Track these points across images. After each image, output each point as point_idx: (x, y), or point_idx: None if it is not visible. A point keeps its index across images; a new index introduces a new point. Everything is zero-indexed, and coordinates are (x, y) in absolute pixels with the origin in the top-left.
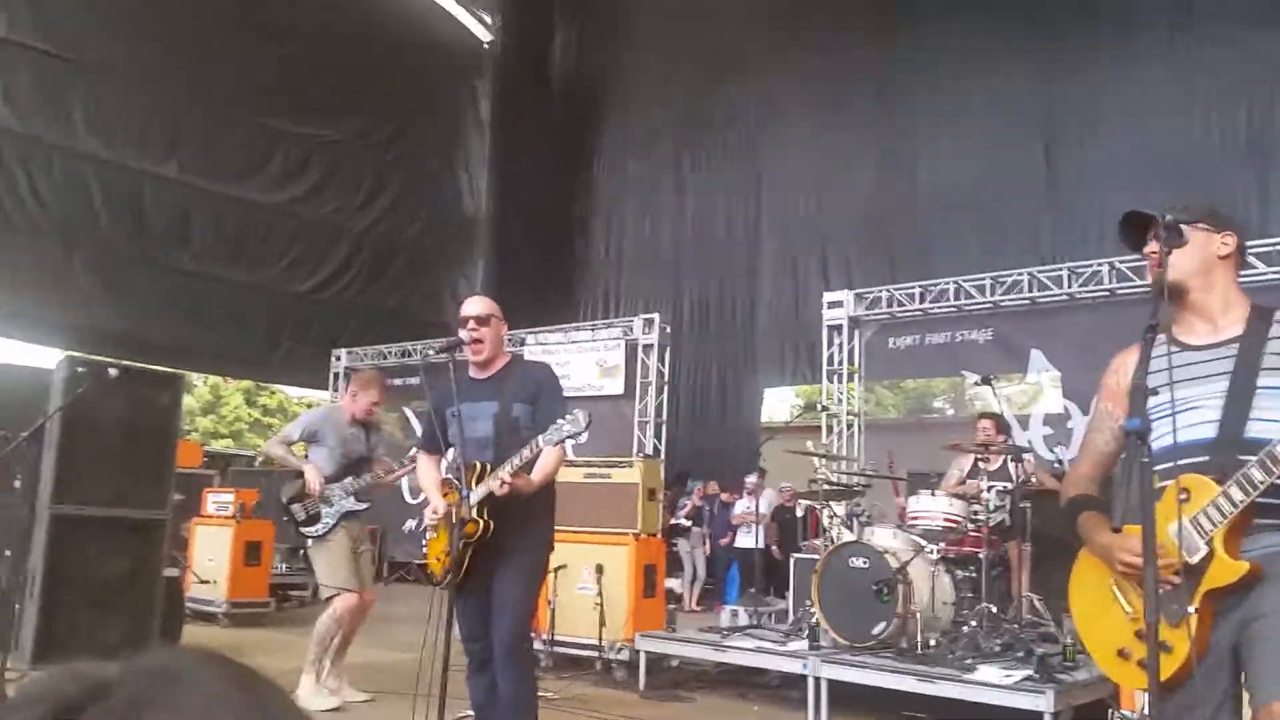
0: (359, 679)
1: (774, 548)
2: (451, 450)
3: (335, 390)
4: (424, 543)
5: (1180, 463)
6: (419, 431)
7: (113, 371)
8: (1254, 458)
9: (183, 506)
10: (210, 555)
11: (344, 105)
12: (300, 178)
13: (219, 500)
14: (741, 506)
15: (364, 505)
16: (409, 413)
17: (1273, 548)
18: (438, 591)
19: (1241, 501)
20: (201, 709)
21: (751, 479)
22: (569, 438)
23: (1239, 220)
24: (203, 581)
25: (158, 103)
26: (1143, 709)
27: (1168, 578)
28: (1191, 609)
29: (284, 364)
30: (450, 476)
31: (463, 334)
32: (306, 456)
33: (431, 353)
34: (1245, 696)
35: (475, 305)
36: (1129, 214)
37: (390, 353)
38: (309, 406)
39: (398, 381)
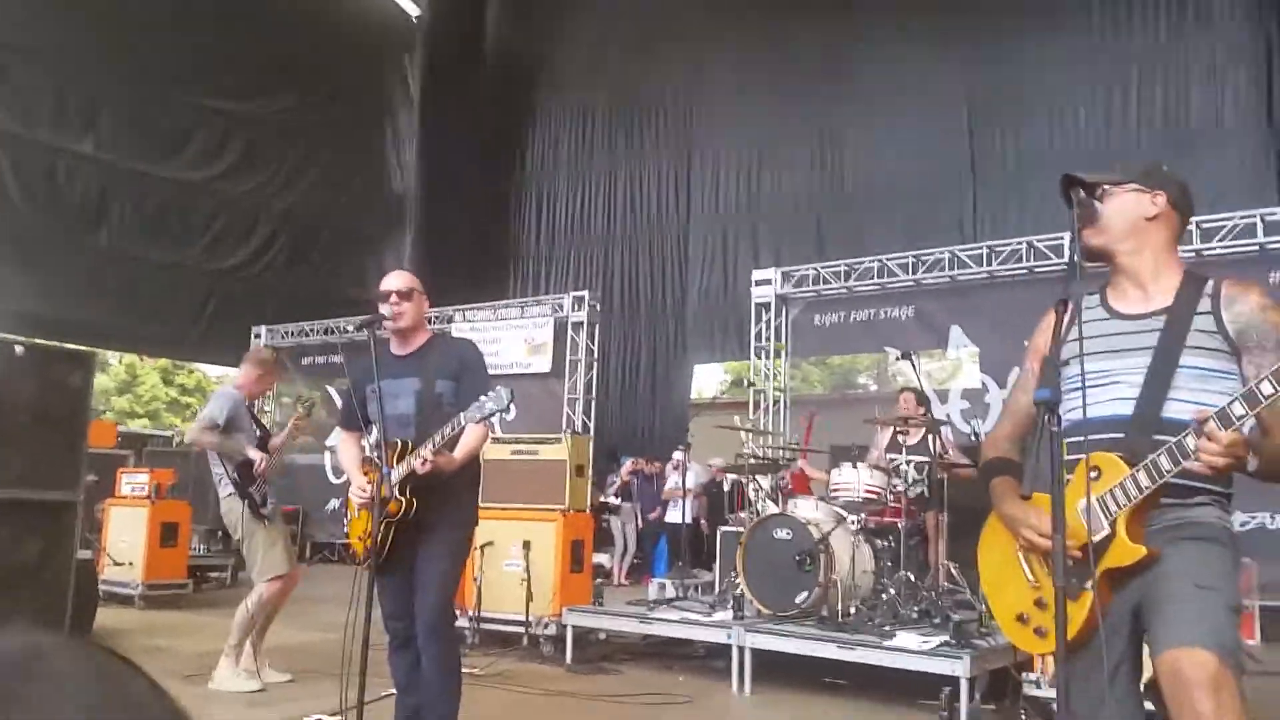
0: (281, 660)
1: (703, 521)
2: (373, 428)
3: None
4: (345, 523)
5: (1090, 437)
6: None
7: (19, 349)
8: (1168, 438)
9: (96, 487)
10: (125, 537)
11: (267, 81)
12: (222, 155)
13: (134, 481)
14: (671, 482)
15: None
16: (332, 391)
17: (1172, 521)
18: (359, 571)
19: (1147, 487)
20: (46, 696)
21: (678, 454)
22: (492, 414)
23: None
24: (118, 564)
25: (74, 79)
26: (1044, 672)
27: (1070, 553)
28: (1089, 585)
29: (204, 342)
30: (372, 455)
31: (384, 308)
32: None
33: (351, 329)
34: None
35: (396, 279)
36: (1065, 177)
37: (313, 330)
38: None
39: (321, 360)
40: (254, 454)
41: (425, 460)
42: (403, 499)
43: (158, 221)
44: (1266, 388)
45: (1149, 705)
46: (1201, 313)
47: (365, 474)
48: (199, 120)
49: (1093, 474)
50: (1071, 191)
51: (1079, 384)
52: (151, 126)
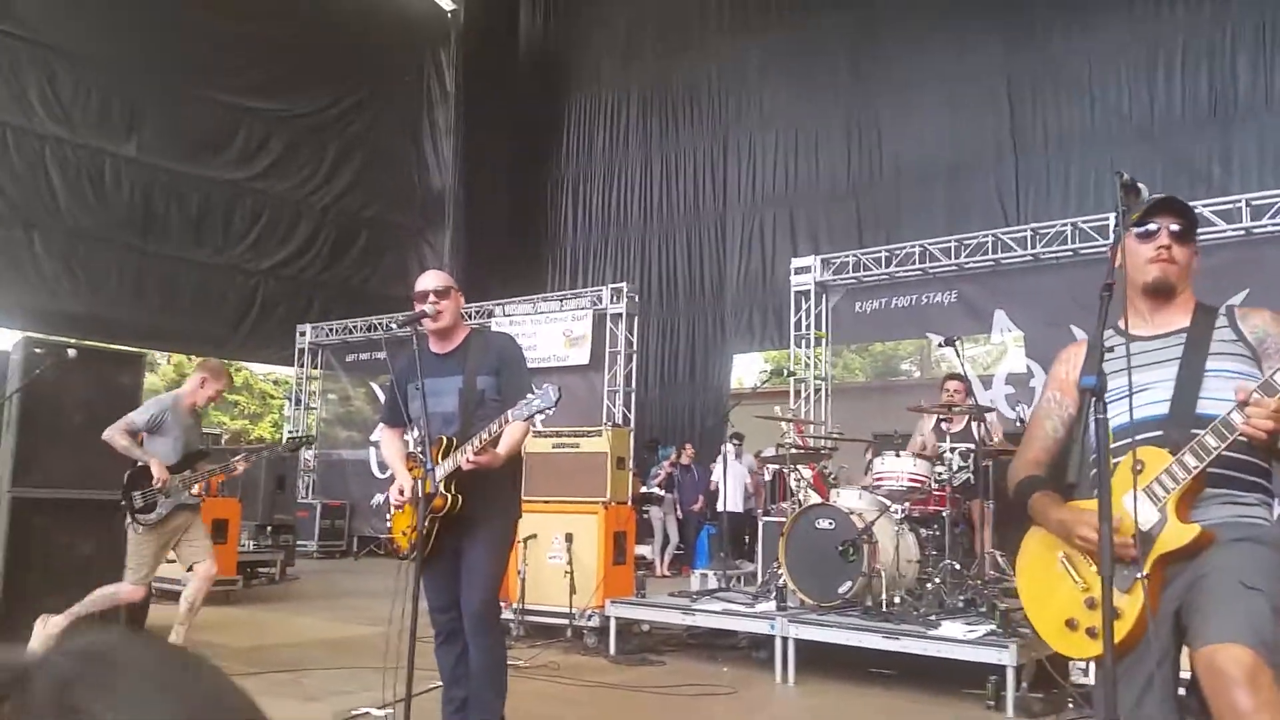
0: (329, 654)
1: (757, 513)
2: (416, 425)
3: (301, 366)
4: (388, 517)
5: (1136, 438)
6: None
7: (71, 352)
8: (1205, 431)
9: None
10: None
11: (305, 80)
12: (262, 154)
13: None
14: (717, 473)
15: (196, 498)
16: (376, 388)
17: (1221, 520)
18: (404, 565)
19: (1195, 468)
20: (132, 687)
21: (728, 447)
22: (539, 412)
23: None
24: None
25: (116, 82)
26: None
27: (1123, 551)
28: (1142, 573)
29: (249, 341)
30: (416, 451)
31: (423, 307)
32: (141, 444)
33: (395, 326)
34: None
35: (433, 279)
36: (1170, 199)
37: (355, 327)
38: (275, 383)
39: (365, 356)
40: (155, 468)
41: (470, 459)
42: (448, 495)
43: (201, 222)
44: None
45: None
46: (1220, 328)
47: (410, 470)
48: (239, 120)
49: (1137, 467)
50: (1153, 221)
51: (1120, 394)
52: (192, 128)
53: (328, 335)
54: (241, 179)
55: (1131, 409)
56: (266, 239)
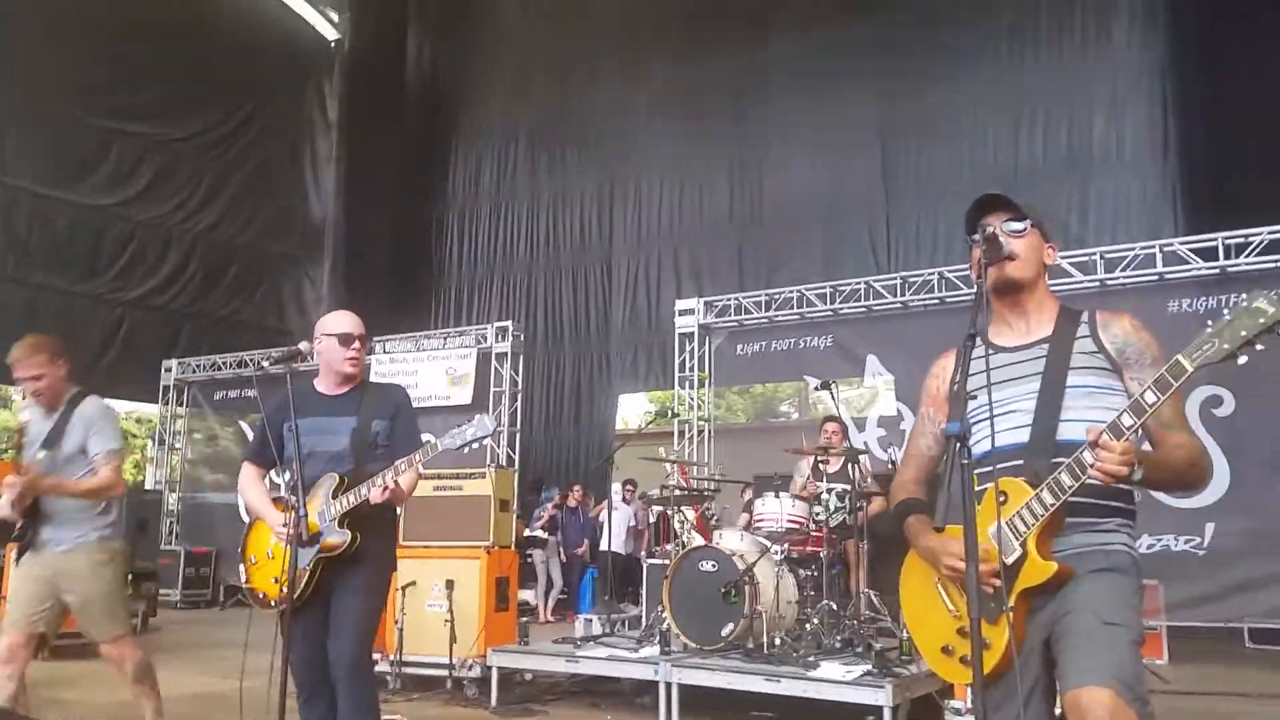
0: (195, 710)
1: (641, 555)
2: (287, 469)
3: (166, 403)
4: (246, 565)
5: (998, 466)
6: None
7: None
8: (1065, 460)
9: None
10: None
11: (182, 104)
12: (133, 179)
13: None
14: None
15: None
16: (245, 426)
17: (1082, 548)
18: (261, 615)
19: (1052, 505)
20: None
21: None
22: (475, 441)
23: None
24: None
25: None
26: (968, 700)
27: (988, 580)
28: (1008, 606)
29: (111, 376)
30: (284, 494)
31: (345, 351)
32: None
33: (267, 364)
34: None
35: (354, 323)
36: (991, 196)
37: (225, 363)
38: (137, 421)
39: (234, 394)
40: None
41: (386, 487)
42: (347, 533)
43: (65, 248)
44: (1150, 396)
45: None
46: (1081, 337)
47: (281, 510)
48: (109, 143)
49: (1000, 499)
50: (984, 223)
51: (981, 415)
52: (60, 149)
53: (195, 371)
54: (110, 204)
55: (994, 434)
56: (134, 268)
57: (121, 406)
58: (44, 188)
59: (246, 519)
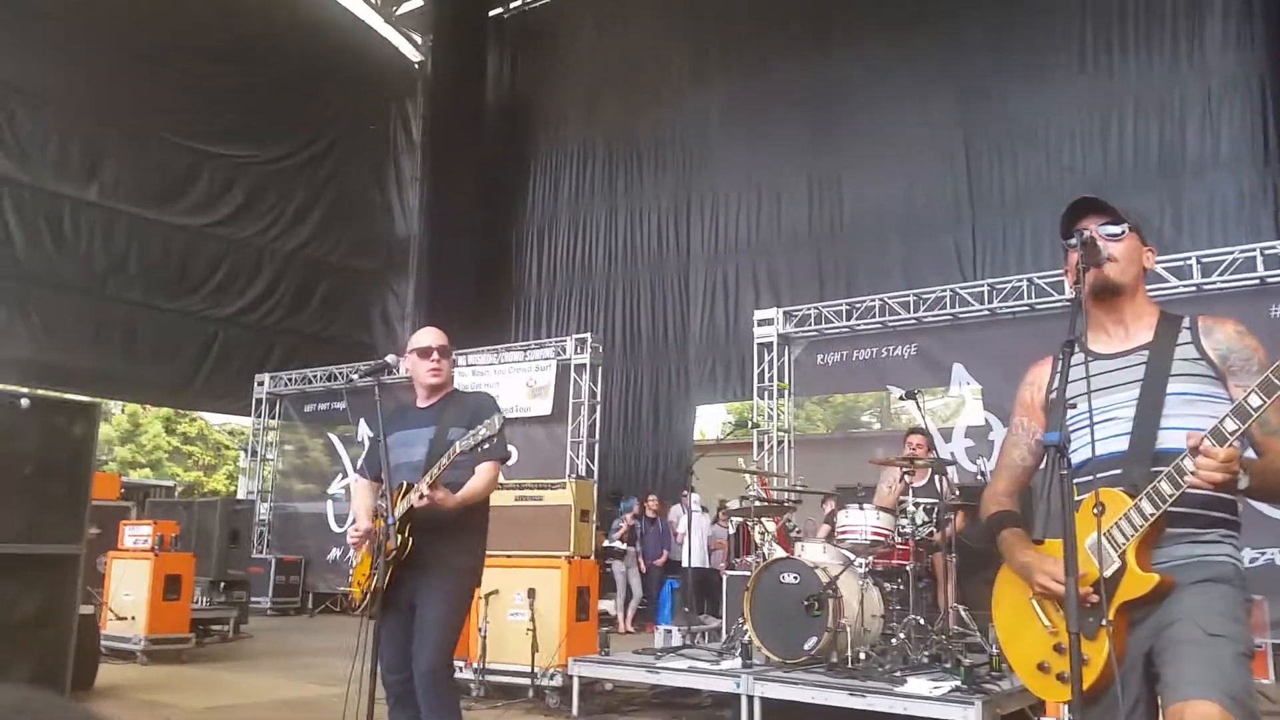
0: (285, 715)
1: (721, 567)
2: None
3: (258, 416)
4: (352, 564)
5: (1098, 476)
6: (344, 458)
7: (24, 402)
8: (1164, 469)
9: (99, 540)
10: (128, 590)
11: (270, 127)
12: (225, 200)
13: (136, 533)
14: (682, 525)
15: None
16: (334, 438)
17: (1184, 559)
18: (362, 621)
19: (1151, 515)
20: None
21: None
22: (485, 440)
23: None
24: (120, 618)
25: (77, 125)
26: (1062, 717)
27: (1085, 595)
28: (1106, 620)
29: (205, 390)
30: (381, 504)
31: (426, 364)
32: None
33: (355, 377)
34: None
35: (436, 336)
36: (1086, 200)
37: (315, 377)
38: (230, 433)
39: (323, 406)
40: None
41: (421, 494)
42: (401, 536)
43: (161, 268)
44: (1254, 400)
45: None
46: (1182, 344)
47: (375, 521)
48: (201, 166)
49: (1097, 510)
50: (1080, 227)
51: (1081, 423)
52: (154, 172)
53: (286, 385)
54: (203, 225)
55: (1093, 442)
56: (227, 286)
57: (215, 419)
58: (140, 209)
59: (335, 529)
